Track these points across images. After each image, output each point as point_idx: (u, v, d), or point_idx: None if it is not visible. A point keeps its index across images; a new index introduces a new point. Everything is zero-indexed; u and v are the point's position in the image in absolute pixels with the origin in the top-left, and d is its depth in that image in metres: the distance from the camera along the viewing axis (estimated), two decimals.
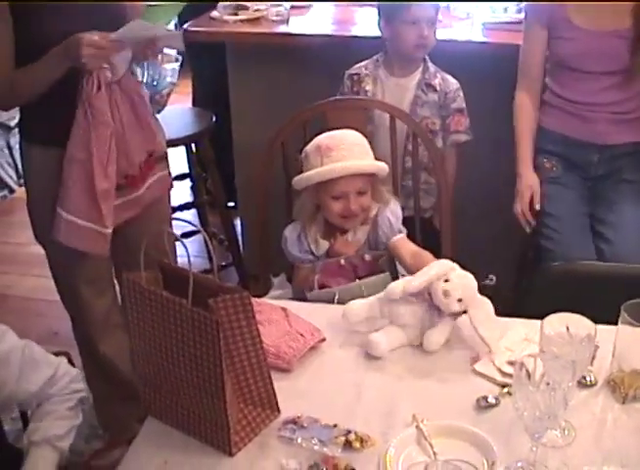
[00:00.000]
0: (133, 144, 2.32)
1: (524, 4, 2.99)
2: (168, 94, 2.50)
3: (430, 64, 2.91)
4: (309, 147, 2.29)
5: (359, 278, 2.27)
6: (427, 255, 2.27)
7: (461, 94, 2.91)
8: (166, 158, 2.50)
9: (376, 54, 2.97)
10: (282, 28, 3.33)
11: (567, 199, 2.73)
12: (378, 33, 2.94)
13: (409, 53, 2.86)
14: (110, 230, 2.31)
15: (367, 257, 2.29)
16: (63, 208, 2.27)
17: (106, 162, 2.24)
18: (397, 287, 1.87)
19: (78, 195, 2.25)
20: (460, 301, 1.83)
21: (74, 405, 1.95)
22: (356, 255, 2.29)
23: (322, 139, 2.28)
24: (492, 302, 1.89)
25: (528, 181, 2.73)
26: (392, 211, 2.33)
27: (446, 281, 1.84)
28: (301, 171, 2.32)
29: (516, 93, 2.80)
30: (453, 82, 2.91)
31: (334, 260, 2.29)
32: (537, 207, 2.70)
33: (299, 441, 1.60)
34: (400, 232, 2.34)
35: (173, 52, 2.50)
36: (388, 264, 2.32)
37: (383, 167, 2.30)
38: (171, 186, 2.54)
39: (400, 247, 2.31)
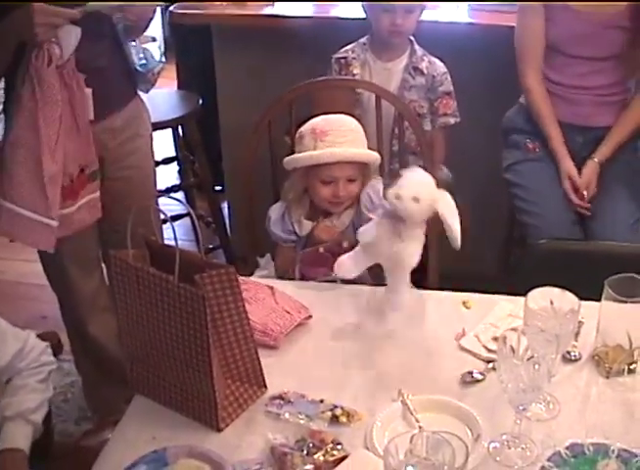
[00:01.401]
0: (67, 149, 2.17)
1: None
2: (159, 73, 2.49)
3: (417, 47, 2.91)
4: (304, 129, 2.27)
5: None
6: None
7: (448, 77, 2.91)
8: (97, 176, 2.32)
9: (363, 36, 2.97)
10: (268, 10, 3.32)
11: (547, 175, 2.74)
12: (364, 15, 2.94)
13: (384, 39, 2.87)
14: (55, 223, 2.17)
15: (345, 244, 2.27)
16: (4, 196, 2.13)
17: (54, 144, 2.12)
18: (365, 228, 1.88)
19: (23, 181, 2.12)
20: (416, 199, 1.74)
21: (45, 378, 1.96)
22: (334, 243, 2.28)
23: (318, 122, 2.26)
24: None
25: (565, 170, 2.69)
26: (372, 187, 2.30)
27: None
28: (293, 152, 2.31)
29: (523, 79, 2.76)
30: (440, 65, 2.91)
31: (313, 249, 2.29)
32: (584, 192, 2.67)
33: (287, 416, 1.61)
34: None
35: (148, 33, 2.48)
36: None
37: (376, 158, 2.29)
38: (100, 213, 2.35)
39: None
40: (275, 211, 2.35)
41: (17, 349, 1.91)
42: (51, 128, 2.10)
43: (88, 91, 2.20)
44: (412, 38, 2.92)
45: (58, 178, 2.15)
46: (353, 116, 2.36)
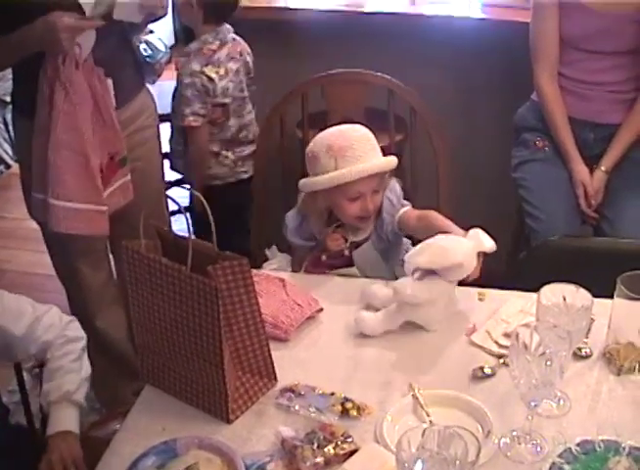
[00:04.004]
0: (95, 140, 2.24)
1: None
2: (165, 63, 2.50)
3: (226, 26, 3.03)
4: (316, 148, 2.13)
5: None
6: (431, 213, 2.12)
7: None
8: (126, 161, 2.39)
9: (376, 29, 2.95)
10: (281, 3, 3.31)
11: (553, 177, 2.71)
12: (379, 9, 2.92)
13: None
14: (106, 208, 2.28)
15: (346, 252, 2.22)
16: (57, 197, 2.21)
17: (92, 139, 2.21)
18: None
19: (73, 179, 2.20)
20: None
21: (77, 357, 1.97)
22: (337, 252, 2.20)
23: (330, 138, 2.12)
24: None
25: (579, 176, 2.67)
26: (391, 190, 2.24)
27: None
28: (303, 149, 2.24)
29: (537, 80, 2.72)
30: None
31: (316, 256, 2.23)
32: (593, 202, 2.66)
33: (297, 408, 1.61)
34: (404, 206, 2.22)
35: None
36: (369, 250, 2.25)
37: (396, 162, 2.19)
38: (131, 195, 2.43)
39: (407, 217, 2.17)
40: (292, 220, 2.26)
41: (34, 317, 1.93)
42: (87, 126, 2.19)
43: (109, 81, 2.26)
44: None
45: (98, 168, 2.25)
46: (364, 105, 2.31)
